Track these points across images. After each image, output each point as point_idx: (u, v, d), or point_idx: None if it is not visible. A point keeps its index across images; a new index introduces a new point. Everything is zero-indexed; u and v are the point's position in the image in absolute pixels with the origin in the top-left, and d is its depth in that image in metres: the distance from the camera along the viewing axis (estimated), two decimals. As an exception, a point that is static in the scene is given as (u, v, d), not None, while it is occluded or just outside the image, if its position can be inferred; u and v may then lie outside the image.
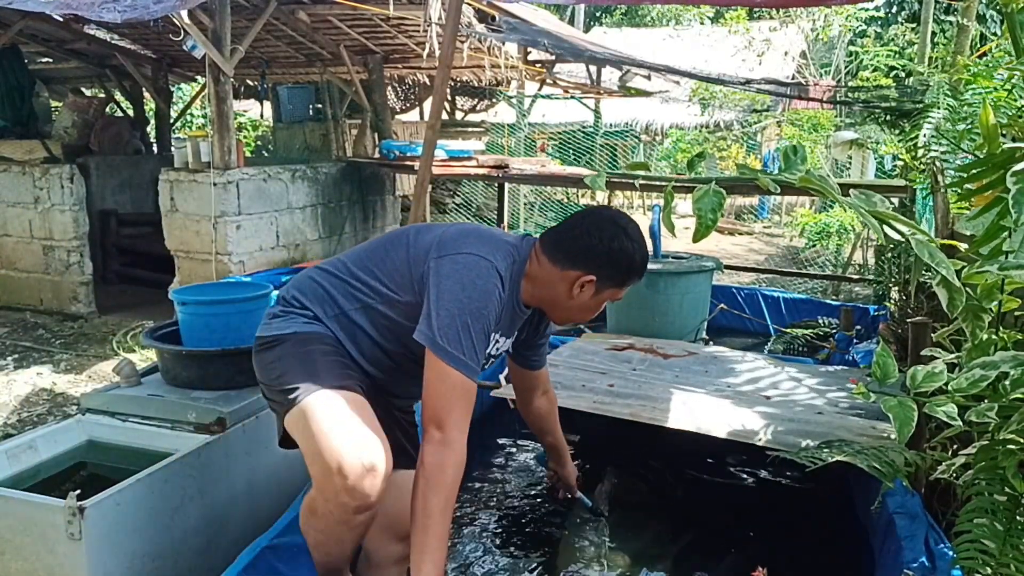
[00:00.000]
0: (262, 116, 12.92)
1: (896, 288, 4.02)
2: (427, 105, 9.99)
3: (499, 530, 2.62)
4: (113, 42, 7.71)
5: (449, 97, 10.75)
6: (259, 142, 12.51)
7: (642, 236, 1.81)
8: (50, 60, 8.74)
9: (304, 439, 1.66)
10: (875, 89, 6.99)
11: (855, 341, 4.38)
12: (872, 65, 9.30)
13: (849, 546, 2.48)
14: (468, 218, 11.00)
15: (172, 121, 9.21)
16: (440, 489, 1.56)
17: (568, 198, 12.52)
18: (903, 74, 9.20)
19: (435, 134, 3.53)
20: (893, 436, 1.87)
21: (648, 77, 8.91)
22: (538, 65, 8.03)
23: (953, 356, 1.98)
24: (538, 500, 2.83)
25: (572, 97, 11.14)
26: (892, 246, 3.79)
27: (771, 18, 13.40)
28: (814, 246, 8.23)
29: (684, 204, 10.03)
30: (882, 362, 1.92)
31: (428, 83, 9.30)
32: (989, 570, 1.52)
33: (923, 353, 2.16)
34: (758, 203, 13.59)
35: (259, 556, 2.01)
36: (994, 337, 1.84)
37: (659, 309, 4.41)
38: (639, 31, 18.86)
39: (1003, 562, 1.51)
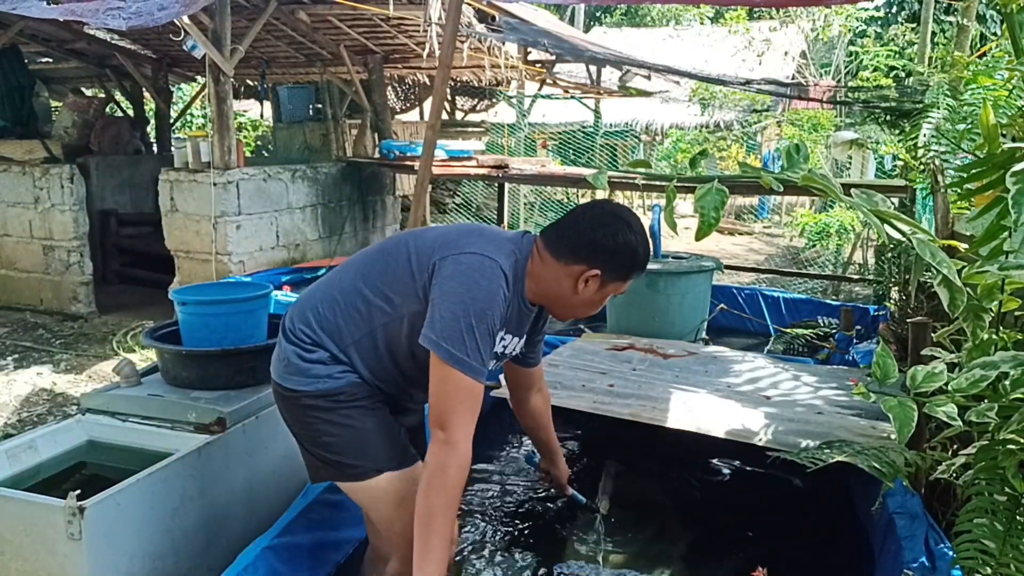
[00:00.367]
0: (262, 116, 12.93)
1: (896, 288, 4.03)
2: (427, 105, 9.99)
3: (497, 528, 2.62)
4: (113, 42, 7.71)
5: (449, 97, 10.75)
6: (259, 142, 12.50)
7: (644, 228, 1.81)
8: (50, 60, 8.73)
9: (382, 518, 1.85)
10: (875, 89, 7.00)
11: (855, 341, 4.38)
12: (872, 65, 9.31)
13: (849, 546, 2.48)
14: (468, 218, 11.00)
15: (172, 121, 9.21)
16: (443, 490, 1.57)
17: (568, 198, 12.52)
18: (903, 74, 9.21)
19: (435, 134, 3.53)
20: (893, 436, 1.87)
21: (648, 77, 8.91)
22: (538, 65, 8.03)
23: (953, 356, 1.98)
24: (536, 499, 2.83)
25: (572, 97, 11.15)
26: (892, 246, 3.79)
27: (771, 18, 13.41)
28: (814, 246, 8.23)
29: (684, 204, 10.04)
30: (882, 362, 1.92)
31: (428, 83, 9.30)
32: (989, 570, 1.52)
33: (923, 353, 2.16)
34: (758, 203, 13.60)
35: (259, 556, 2.01)
36: (994, 337, 1.84)
37: (659, 309, 4.41)
38: (639, 31, 18.87)
39: (1003, 562, 1.51)
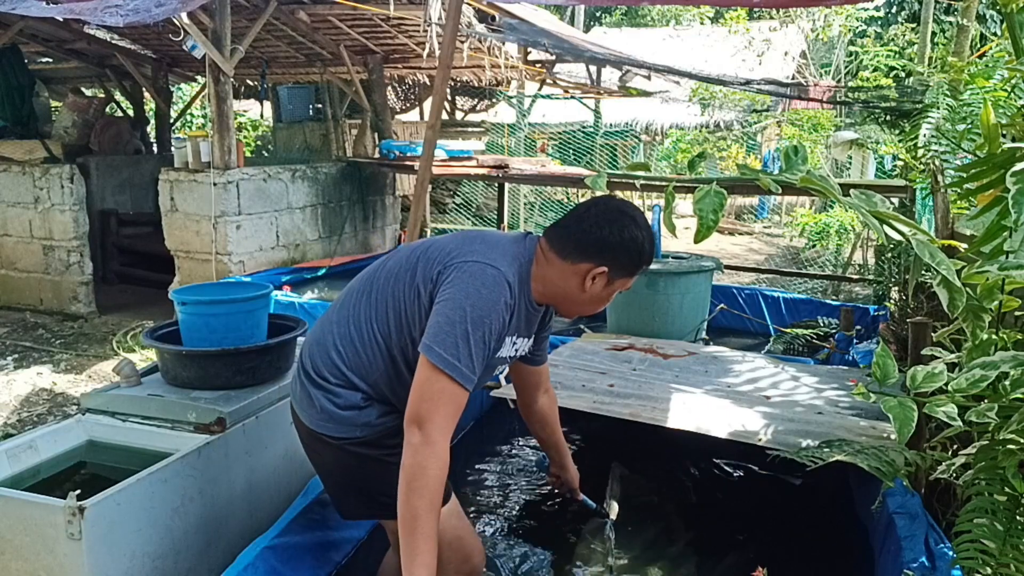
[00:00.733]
0: (262, 116, 12.93)
1: (896, 288, 4.03)
2: (427, 105, 9.99)
3: (503, 532, 2.62)
4: (113, 42, 7.71)
5: (449, 97, 10.76)
6: (259, 142, 12.51)
7: (648, 223, 1.81)
8: (50, 60, 8.74)
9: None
10: (875, 89, 7.01)
11: (855, 341, 4.38)
12: (872, 65, 9.31)
13: (849, 546, 2.48)
14: (468, 218, 11.01)
15: (172, 121, 9.21)
16: (423, 492, 1.54)
17: (568, 198, 12.52)
18: (903, 74, 9.21)
19: (435, 134, 3.53)
20: (893, 436, 1.87)
21: (648, 77, 8.90)
22: (538, 65, 8.03)
23: (953, 356, 1.98)
24: (540, 502, 2.83)
25: (572, 97, 11.14)
26: (892, 246, 3.80)
27: (771, 18, 13.40)
28: (814, 246, 8.23)
29: (684, 204, 10.04)
30: (882, 362, 1.92)
31: (428, 83, 9.30)
32: (989, 570, 1.52)
33: (923, 353, 2.16)
34: (758, 203, 13.60)
35: (259, 556, 2.01)
36: (994, 337, 1.84)
37: (659, 309, 4.41)
38: (639, 31, 18.86)
39: (1003, 562, 1.51)
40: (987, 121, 1.80)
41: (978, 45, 6.13)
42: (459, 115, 11.43)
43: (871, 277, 6.18)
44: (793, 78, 13.40)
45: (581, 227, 1.76)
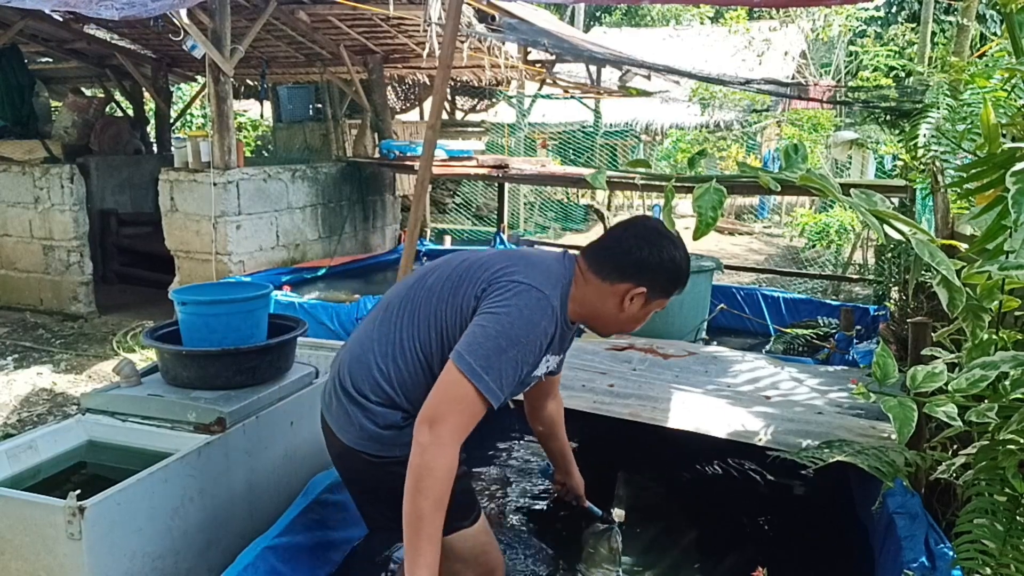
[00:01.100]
0: (262, 116, 12.93)
1: (896, 288, 4.02)
2: (427, 105, 9.99)
3: (508, 537, 2.61)
4: (113, 42, 7.71)
5: (449, 97, 10.75)
6: (259, 142, 12.51)
7: (684, 243, 1.81)
8: (50, 60, 8.73)
9: (450, 570, 1.84)
10: (875, 89, 7.00)
11: (855, 341, 4.38)
12: (872, 65, 9.31)
13: (849, 546, 2.48)
14: (468, 218, 11.01)
15: (172, 121, 9.21)
16: (429, 492, 1.54)
17: (568, 198, 12.53)
18: (903, 74, 9.21)
19: (435, 134, 3.53)
20: (893, 436, 1.87)
21: (648, 77, 8.91)
22: (538, 65, 8.03)
23: (953, 356, 1.98)
24: (544, 507, 2.82)
25: (572, 97, 11.14)
26: (892, 246, 3.80)
27: (771, 18, 13.40)
28: (814, 246, 8.23)
29: (684, 204, 10.04)
30: (882, 362, 1.92)
31: (428, 83, 9.30)
32: (989, 570, 1.52)
33: (923, 353, 2.16)
34: (758, 203, 13.60)
35: (259, 556, 2.01)
36: (994, 337, 1.84)
37: (659, 309, 4.40)
38: (639, 31, 18.86)
39: (1003, 562, 1.51)
40: (987, 121, 1.80)
41: (978, 45, 6.13)
42: (459, 115, 11.43)
43: (871, 277, 6.18)
44: (793, 78, 13.40)
45: (620, 248, 1.76)
